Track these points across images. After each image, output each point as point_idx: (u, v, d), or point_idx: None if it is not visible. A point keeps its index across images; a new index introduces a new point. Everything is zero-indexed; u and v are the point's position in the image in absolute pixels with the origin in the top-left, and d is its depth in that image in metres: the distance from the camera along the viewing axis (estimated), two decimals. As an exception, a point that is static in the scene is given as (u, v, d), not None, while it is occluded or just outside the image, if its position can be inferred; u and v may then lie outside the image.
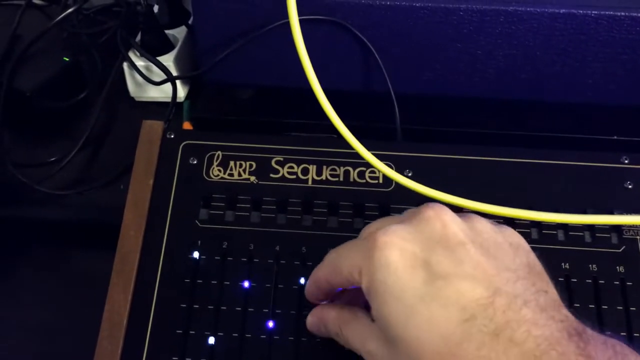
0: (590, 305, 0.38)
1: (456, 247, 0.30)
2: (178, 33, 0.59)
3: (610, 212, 0.41)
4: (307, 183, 0.42)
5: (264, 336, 0.37)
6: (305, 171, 0.43)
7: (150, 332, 0.37)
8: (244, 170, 0.43)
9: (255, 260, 0.39)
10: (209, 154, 0.43)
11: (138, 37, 0.58)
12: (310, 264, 0.38)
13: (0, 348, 0.45)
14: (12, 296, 0.48)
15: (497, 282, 0.29)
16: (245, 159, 0.43)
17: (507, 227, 0.33)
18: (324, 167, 0.43)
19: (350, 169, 0.43)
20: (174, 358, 0.37)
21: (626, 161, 0.43)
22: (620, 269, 0.39)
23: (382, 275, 0.30)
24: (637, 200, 0.41)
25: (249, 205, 0.41)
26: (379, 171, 0.41)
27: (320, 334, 0.36)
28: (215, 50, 0.49)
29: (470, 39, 0.47)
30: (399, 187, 0.40)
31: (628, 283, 0.38)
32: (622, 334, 0.37)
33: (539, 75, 0.48)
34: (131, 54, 0.56)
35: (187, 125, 0.51)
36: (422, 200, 0.39)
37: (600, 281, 0.38)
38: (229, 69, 0.50)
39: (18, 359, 0.45)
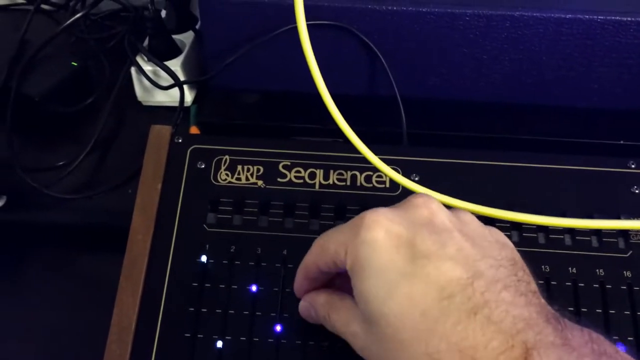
0: (598, 310, 0.38)
1: (441, 231, 0.31)
2: (185, 38, 0.60)
3: (617, 217, 0.41)
4: (314, 187, 0.42)
5: (272, 340, 0.37)
6: (312, 175, 0.43)
7: (159, 335, 0.38)
8: (252, 175, 0.43)
9: (262, 264, 0.40)
10: (216, 159, 0.43)
11: (145, 42, 0.58)
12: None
13: (9, 351, 0.45)
14: (20, 299, 0.48)
15: (479, 266, 0.30)
16: (253, 163, 0.43)
17: (495, 228, 0.34)
18: (331, 171, 0.43)
19: (357, 173, 0.43)
20: (181, 362, 0.37)
21: (633, 166, 0.43)
22: (627, 273, 0.39)
23: (366, 252, 0.31)
24: (644, 205, 0.41)
25: (256, 210, 0.41)
26: (385, 175, 0.42)
27: (310, 319, 0.37)
28: (222, 55, 0.50)
29: (477, 43, 0.47)
30: (406, 191, 0.40)
31: (635, 288, 0.38)
32: (629, 338, 0.37)
33: (545, 80, 0.49)
34: (139, 59, 0.57)
35: (194, 130, 0.51)
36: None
37: (607, 286, 0.38)
38: (236, 74, 0.51)
39: (26, 362, 0.45)
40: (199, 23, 0.60)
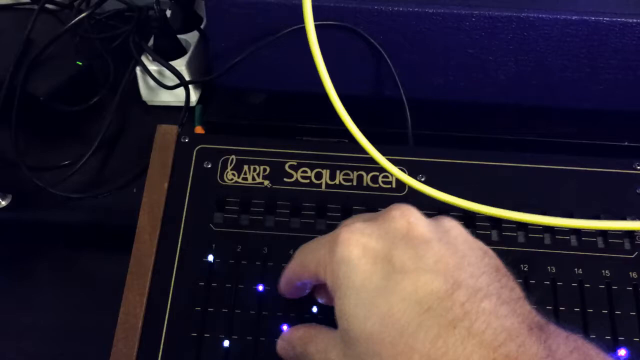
0: (604, 311, 0.38)
1: (419, 244, 0.30)
2: (190, 38, 0.60)
3: (623, 218, 0.41)
4: (320, 187, 0.42)
5: (278, 339, 0.37)
6: (318, 175, 0.43)
7: (165, 335, 0.38)
8: (258, 175, 0.43)
9: (269, 263, 0.40)
10: (223, 158, 0.43)
11: (151, 42, 0.58)
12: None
13: (16, 350, 0.45)
14: (27, 299, 0.48)
15: (459, 276, 0.29)
16: (259, 163, 0.43)
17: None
18: (337, 171, 0.43)
19: (364, 173, 0.43)
20: (188, 361, 0.37)
21: (638, 167, 0.43)
22: (633, 274, 0.39)
23: (343, 271, 0.30)
24: (650, 206, 0.41)
25: (263, 209, 0.41)
26: (392, 176, 0.42)
27: (288, 357, 0.36)
28: (228, 55, 0.50)
29: (482, 44, 0.47)
30: (413, 191, 0.40)
31: (641, 289, 0.39)
32: (635, 339, 0.37)
33: (550, 81, 0.49)
34: (144, 59, 0.57)
35: (199, 130, 0.51)
36: (436, 204, 0.40)
37: (614, 287, 0.39)
38: (242, 74, 0.51)
39: (32, 361, 0.45)
40: (204, 23, 0.60)
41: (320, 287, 0.36)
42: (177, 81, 0.55)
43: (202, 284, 0.39)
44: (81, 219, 0.52)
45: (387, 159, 0.40)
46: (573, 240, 0.40)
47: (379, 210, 0.34)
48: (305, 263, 0.34)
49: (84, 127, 0.57)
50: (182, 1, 0.60)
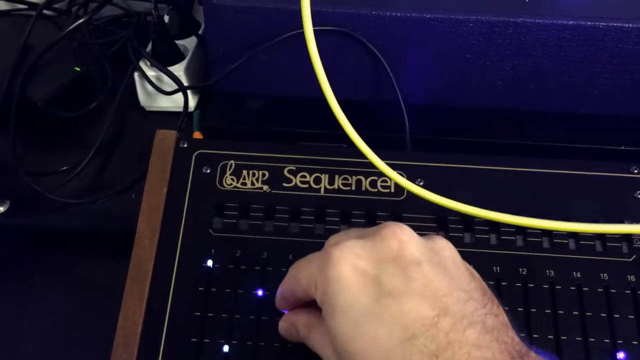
0: (602, 314, 0.38)
1: (409, 265, 0.30)
2: (188, 43, 0.60)
3: (621, 222, 0.41)
4: (319, 192, 0.43)
5: (278, 344, 0.37)
6: (317, 180, 0.43)
7: (165, 340, 0.38)
8: (257, 179, 0.43)
9: (268, 268, 0.40)
10: (222, 163, 0.43)
11: (149, 48, 0.58)
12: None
13: (15, 356, 0.45)
14: (26, 304, 0.48)
15: (446, 302, 0.29)
16: (258, 168, 0.43)
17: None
18: (336, 176, 0.43)
19: (362, 178, 0.43)
20: (188, 366, 0.37)
21: (635, 171, 0.43)
22: (631, 278, 0.39)
23: (333, 290, 0.31)
24: (647, 209, 0.42)
25: (262, 214, 0.42)
26: (391, 180, 0.42)
27: (291, 338, 0.36)
28: (226, 60, 0.50)
29: (479, 49, 0.48)
30: (411, 196, 0.40)
31: (639, 292, 0.39)
32: (633, 342, 0.37)
33: (547, 86, 0.49)
34: (142, 64, 0.57)
35: (197, 135, 0.51)
36: (434, 209, 0.40)
37: (612, 290, 0.39)
38: (240, 79, 0.51)
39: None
40: (202, 28, 0.60)
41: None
42: (175, 86, 0.55)
43: (202, 289, 0.39)
44: (79, 224, 0.52)
45: (386, 163, 0.40)
46: (571, 243, 0.41)
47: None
48: (297, 279, 0.34)
49: (82, 132, 0.57)
50: (180, 7, 0.61)
